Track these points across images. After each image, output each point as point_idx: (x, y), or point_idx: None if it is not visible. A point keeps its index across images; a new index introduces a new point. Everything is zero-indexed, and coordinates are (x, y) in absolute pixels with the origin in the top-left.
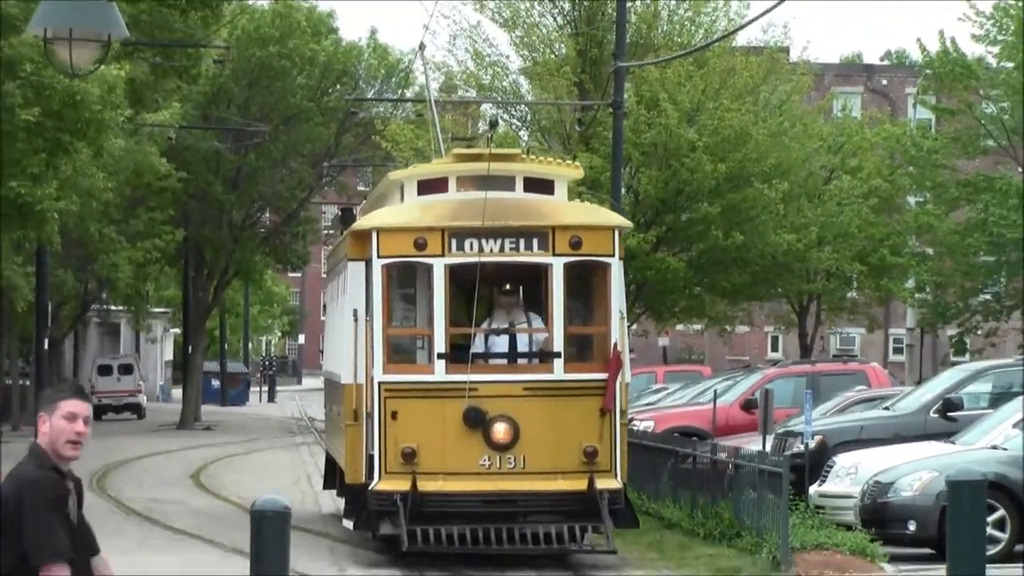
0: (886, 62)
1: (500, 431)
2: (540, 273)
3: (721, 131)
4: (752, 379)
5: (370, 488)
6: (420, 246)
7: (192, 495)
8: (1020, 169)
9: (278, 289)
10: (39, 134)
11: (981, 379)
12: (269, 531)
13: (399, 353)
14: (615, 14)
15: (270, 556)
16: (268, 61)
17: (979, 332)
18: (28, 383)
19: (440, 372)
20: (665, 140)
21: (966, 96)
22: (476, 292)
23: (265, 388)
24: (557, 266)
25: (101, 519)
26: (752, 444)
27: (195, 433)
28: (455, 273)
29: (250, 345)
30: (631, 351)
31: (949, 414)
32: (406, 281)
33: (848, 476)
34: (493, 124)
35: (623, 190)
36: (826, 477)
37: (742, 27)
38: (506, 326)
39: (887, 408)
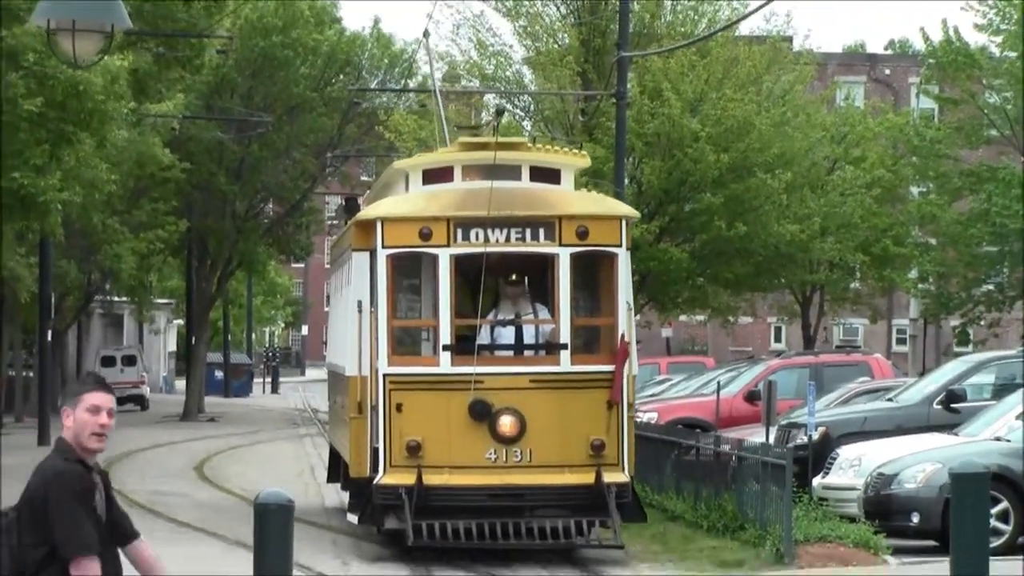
0: (889, 51)
1: (506, 424)
2: (546, 263)
3: (724, 121)
4: (755, 370)
5: (375, 482)
6: (425, 236)
7: (196, 487)
8: (1023, 159)
9: (281, 280)
10: (42, 125)
11: (984, 370)
12: (272, 524)
13: (404, 345)
14: (618, 3)
15: (273, 550)
16: (271, 51)
17: (982, 323)
18: (31, 375)
19: (445, 364)
20: (668, 130)
21: (969, 85)
22: (482, 283)
23: (268, 379)
24: (564, 256)
25: None
26: (755, 436)
27: (198, 424)
28: (461, 263)
29: (253, 336)
30: (637, 342)
31: (952, 405)
32: (411, 271)
33: (851, 468)
34: (499, 112)
35: (626, 180)
36: (829, 469)
37: (745, 17)
38: (512, 317)
39: (890, 400)
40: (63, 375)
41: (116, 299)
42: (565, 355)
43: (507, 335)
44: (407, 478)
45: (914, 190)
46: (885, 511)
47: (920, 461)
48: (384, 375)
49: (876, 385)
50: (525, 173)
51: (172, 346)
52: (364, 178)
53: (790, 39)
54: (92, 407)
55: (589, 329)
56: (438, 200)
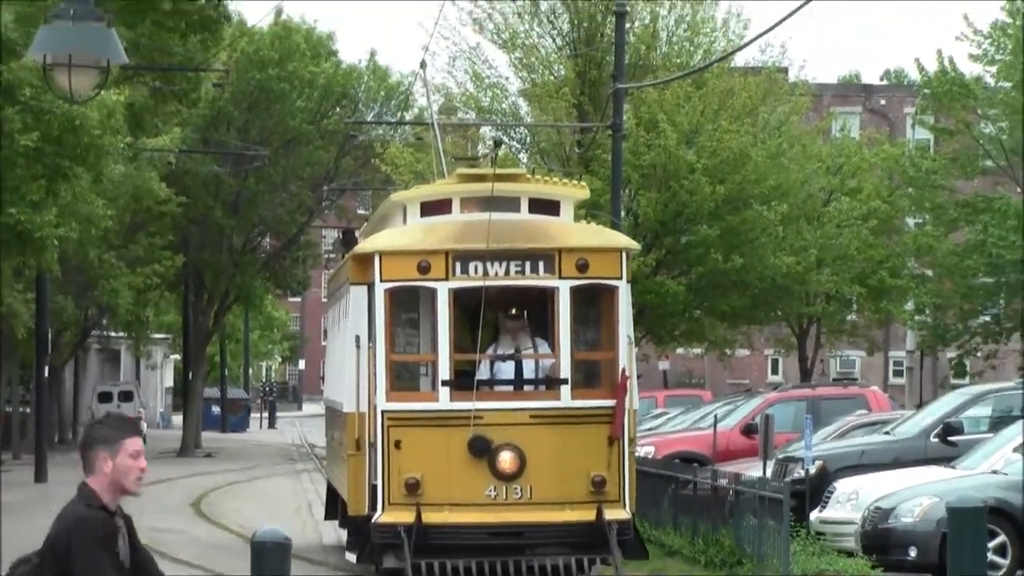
0: (884, 82)
1: (506, 460)
2: (546, 297)
3: (720, 152)
4: (752, 404)
5: (373, 520)
6: (423, 269)
7: (193, 524)
8: (1019, 189)
9: (278, 314)
10: (38, 160)
11: (981, 403)
12: (269, 563)
13: (403, 380)
14: (614, 35)
15: None
16: (267, 84)
17: (979, 354)
18: (28, 411)
19: (444, 400)
20: (664, 162)
21: (964, 116)
22: (481, 317)
23: (265, 414)
24: (564, 289)
25: None
26: (753, 469)
27: (196, 460)
28: (459, 297)
29: (250, 371)
30: (637, 376)
31: (949, 438)
32: (409, 306)
33: (849, 502)
34: (497, 144)
35: (623, 212)
36: (827, 503)
37: (740, 48)
38: (512, 351)
39: (887, 433)
40: (60, 411)
41: (113, 334)
42: (565, 390)
43: (507, 370)
44: (406, 516)
45: (910, 221)
46: (883, 545)
47: (917, 495)
48: (382, 411)
49: (873, 418)
50: (524, 205)
51: (169, 381)
52: (361, 211)
53: (785, 70)
54: (135, 452)
55: (589, 363)
56: (436, 233)
